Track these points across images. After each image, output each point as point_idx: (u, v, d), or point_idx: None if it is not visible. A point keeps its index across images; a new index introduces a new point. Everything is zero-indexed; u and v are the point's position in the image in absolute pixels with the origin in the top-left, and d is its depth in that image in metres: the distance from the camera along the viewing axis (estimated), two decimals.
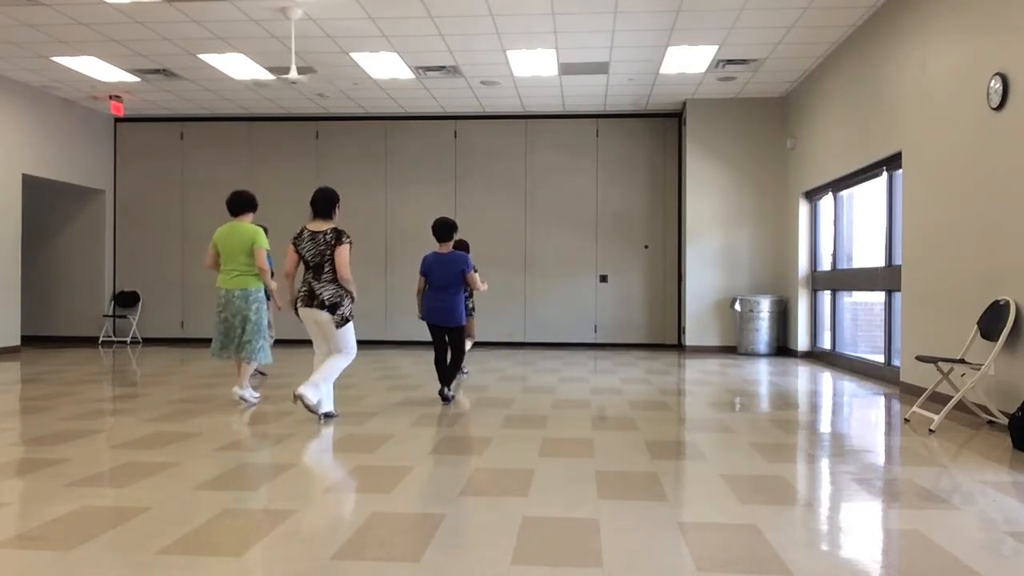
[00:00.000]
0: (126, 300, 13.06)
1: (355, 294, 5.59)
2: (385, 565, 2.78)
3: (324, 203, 5.51)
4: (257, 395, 6.57)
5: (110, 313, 12.99)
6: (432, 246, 6.80)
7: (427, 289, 6.55)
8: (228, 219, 6.87)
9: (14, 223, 11.01)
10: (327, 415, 5.66)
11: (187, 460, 4.42)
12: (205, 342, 12.60)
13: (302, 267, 6.26)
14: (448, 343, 6.63)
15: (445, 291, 6.46)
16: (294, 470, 4.21)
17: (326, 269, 5.44)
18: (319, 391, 5.49)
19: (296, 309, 5.57)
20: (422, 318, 6.57)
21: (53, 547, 2.94)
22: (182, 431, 5.28)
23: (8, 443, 4.84)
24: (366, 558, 2.85)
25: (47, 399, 6.68)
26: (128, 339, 13.00)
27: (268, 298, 6.81)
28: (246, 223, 6.35)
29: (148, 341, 12.99)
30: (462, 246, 7.91)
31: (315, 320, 5.50)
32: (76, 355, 10.75)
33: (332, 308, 5.44)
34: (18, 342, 11.16)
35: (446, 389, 6.59)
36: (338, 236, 5.44)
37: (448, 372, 6.63)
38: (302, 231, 5.53)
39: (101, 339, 12.87)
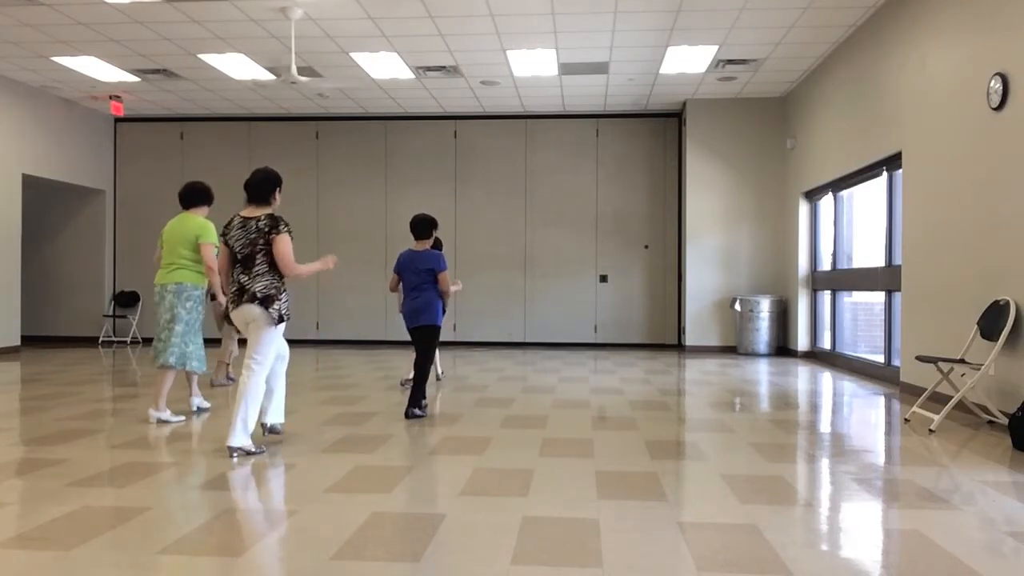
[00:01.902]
0: (126, 300, 13.06)
1: (332, 263, 4.82)
2: (385, 565, 2.78)
3: (261, 186, 4.64)
4: (181, 417, 5.73)
5: (110, 313, 12.99)
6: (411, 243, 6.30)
7: (403, 292, 6.06)
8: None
9: (14, 223, 11.01)
10: (271, 429, 4.91)
11: (186, 460, 4.42)
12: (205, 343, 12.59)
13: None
14: (419, 345, 5.99)
15: (418, 290, 5.94)
16: (294, 470, 4.21)
17: (258, 261, 4.55)
18: (248, 428, 4.54)
19: (227, 316, 4.72)
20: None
21: (53, 547, 2.94)
22: (182, 431, 5.28)
23: (8, 443, 4.84)
24: (366, 558, 2.85)
25: (47, 399, 6.68)
26: (128, 339, 13.00)
27: (213, 299, 6.04)
28: (196, 216, 5.79)
29: (148, 341, 12.98)
30: (435, 244, 7.05)
31: (248, 319, 4.59)
32: (76, 355, 10.75)
33: (265, 302, 4.51)
34: (18, 342, 11.16)
35: (416, 410, 5.83)
36: (274, 223, 4.56)
37: (413, 383, 5.92)
38: (232, 219, 4.69)
39: (101, 339, 12.87)
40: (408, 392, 6.33)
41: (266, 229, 4.55)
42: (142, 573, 2.69)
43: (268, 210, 4.66)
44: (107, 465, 4.28)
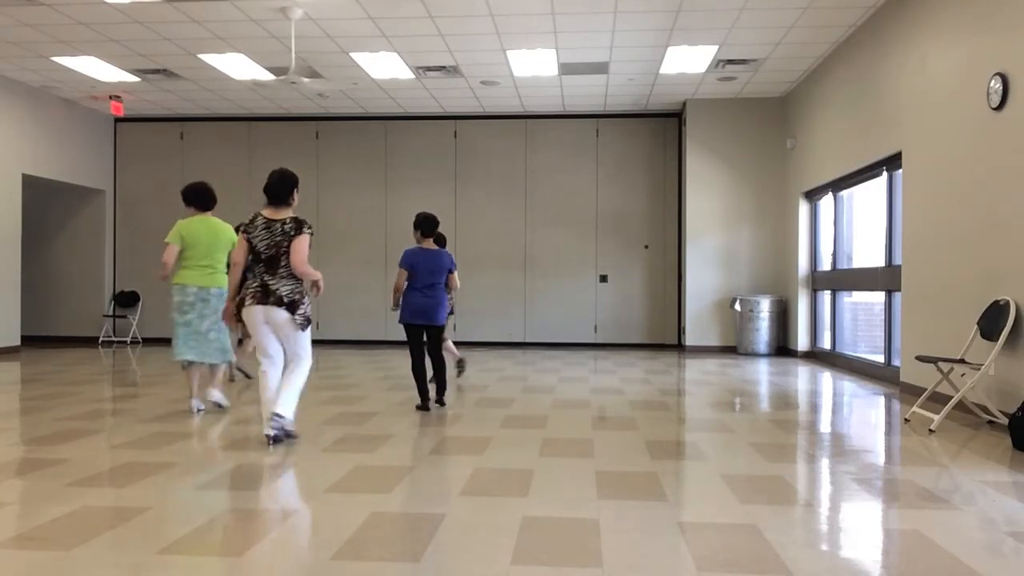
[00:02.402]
0: (126, 300, 13.06)
1: (322, 283, 4.88)
2: (385, 565, 2.78)
3: (281, 187, 4.79)
4: (226, 400, 6.14)
5: (110, 313, 12.99)
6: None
7: (408, 288, 6.10)
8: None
9: (14, 223, 11.01)
10: (275, 415, 4.84)
11: (187, 460, 4.42)
12: None
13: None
14: (428, 344, 6.18)
15: (432, 288, 6.04)
16: (294, 470, 4.21)
17: (283, 263, 4.74)
18: (292, 406, 4.81)
19: (239, 309, 4.83)
20: (401, 321, 6.10)
21: (53, 547, 2.94)
22: (182, 431, 5.28)
23: (8, 443, 4.84)
24: (366, 558, 2.85)
25: (47, 399, 6.68)
26: (128, 339, 12.99)
27: None
28: (217, 219, 5.99)
29: (148, 341, 12.98)
30: (439, 240, 7.10)
31: (270, 320, 4.75)
32: (76, 355, 10.75)
33: (292, 306, 4.72)
34: (18, 342, 11.16)
35: (440, 397, 6.23)
36: (299, 226, 4.75)
37: (437, 381, 6.25)
38: (255, 218, 4.83)
39: (101, 339, 12.87)
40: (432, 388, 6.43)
41: (291, 232, 4.74)
42: (142, 573, 2.69)
43: (289, 211, 4.84)
44: (107, 465, 4.28)
